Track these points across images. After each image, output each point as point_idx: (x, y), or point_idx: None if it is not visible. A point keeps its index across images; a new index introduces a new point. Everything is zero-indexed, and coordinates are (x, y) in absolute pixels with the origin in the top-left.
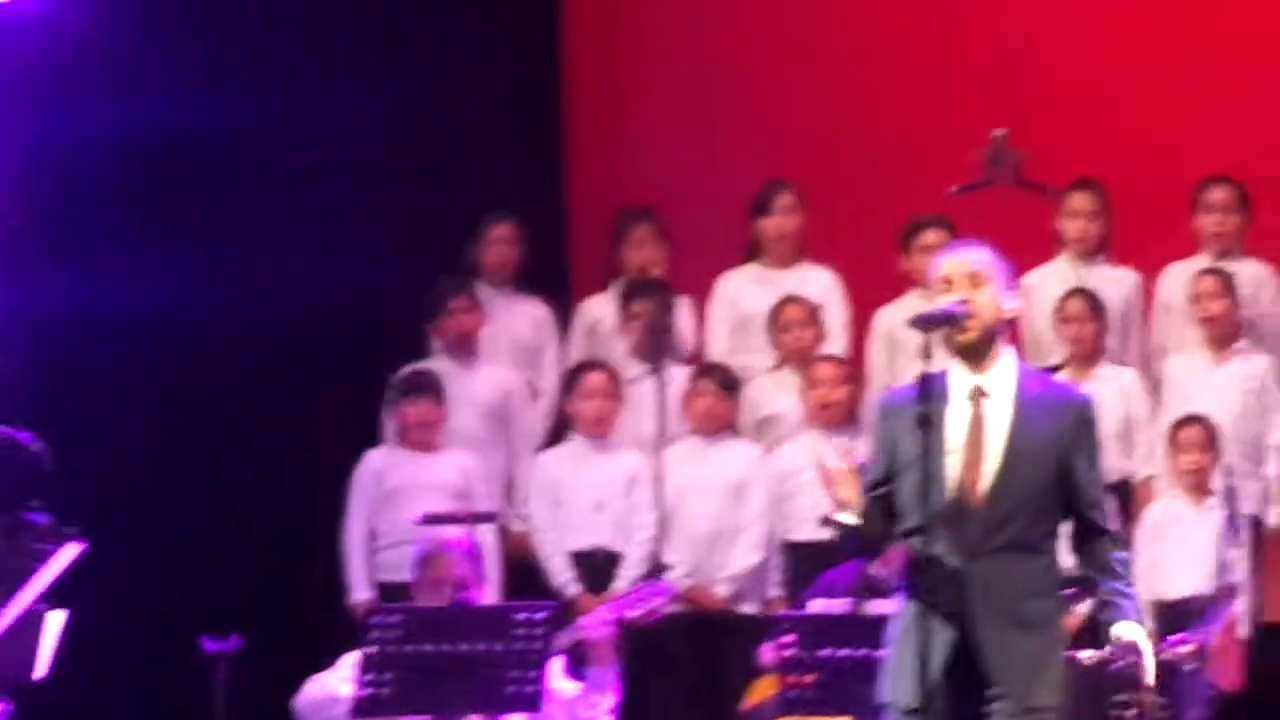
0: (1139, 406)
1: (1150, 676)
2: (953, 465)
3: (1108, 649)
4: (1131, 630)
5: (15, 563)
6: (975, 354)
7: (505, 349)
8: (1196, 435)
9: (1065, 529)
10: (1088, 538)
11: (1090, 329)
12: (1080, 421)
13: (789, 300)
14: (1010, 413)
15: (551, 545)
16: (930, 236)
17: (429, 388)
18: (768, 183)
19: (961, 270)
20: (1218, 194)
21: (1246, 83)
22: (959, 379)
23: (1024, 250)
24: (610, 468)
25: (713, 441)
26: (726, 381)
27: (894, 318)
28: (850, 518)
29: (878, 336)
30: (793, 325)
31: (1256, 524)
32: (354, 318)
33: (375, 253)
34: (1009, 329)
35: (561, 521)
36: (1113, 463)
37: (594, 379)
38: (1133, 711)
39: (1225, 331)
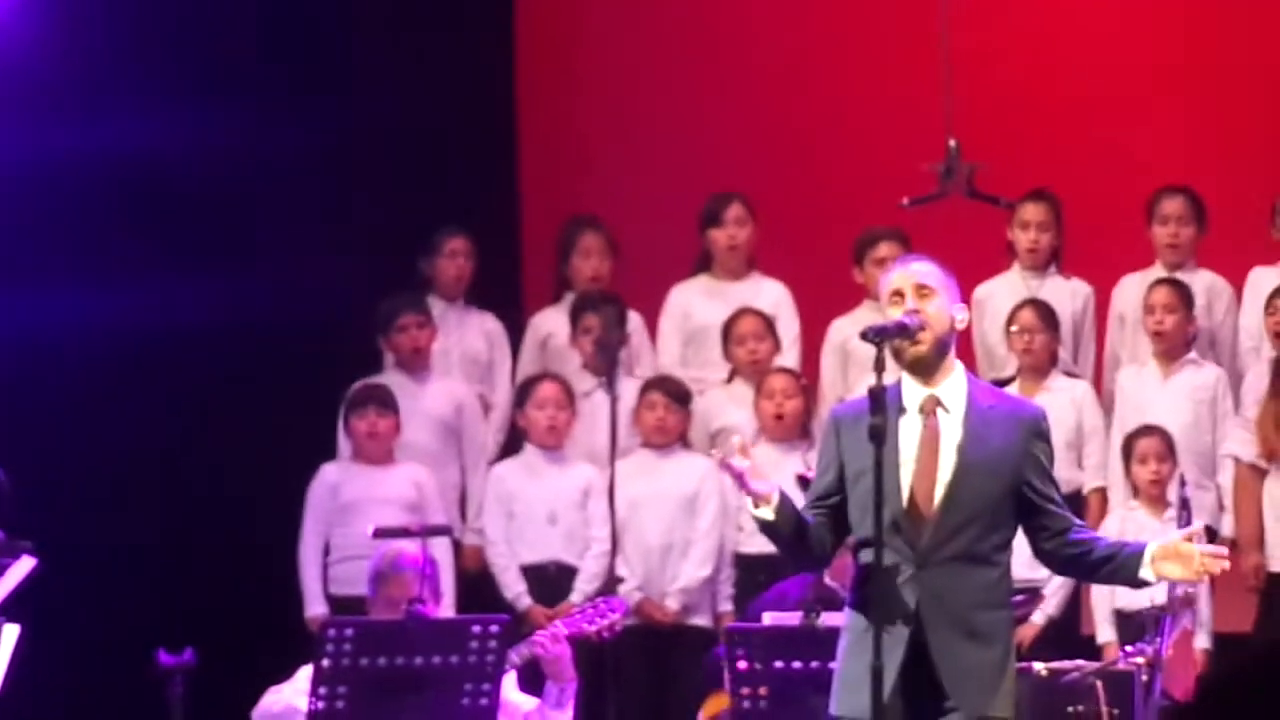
0: (1091, 418)
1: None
2: (905, 477)
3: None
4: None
5: None
6: (927, 366)
7: (458, 363)
8: (1154, 446)
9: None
10: (1057, 532)
11: (1042, 340)
12: (1033, 435)
13: (743, 313)
14: (962, 425)
15: (505, 558)
16: (883, 249)
17: (381, 401)
18: (718, 195)
19: (911, 282)
20: (1172, 205)
21: (1199, 94)
22: (911, 391)
23: (977, 262)
24: (563, 480)
25: (664, 454)
26: (677, 394)
27: (847, 330)
28: (767, 513)
29: (831, 348)
30: (747, 338)
31: (1211, 534)
32: (308, 332)
33: (328, 268)
34: (959, 341)
35: (515, 534)
36: (1064, 474)
37: (546, 390)
38: None
39: (1177, 343)
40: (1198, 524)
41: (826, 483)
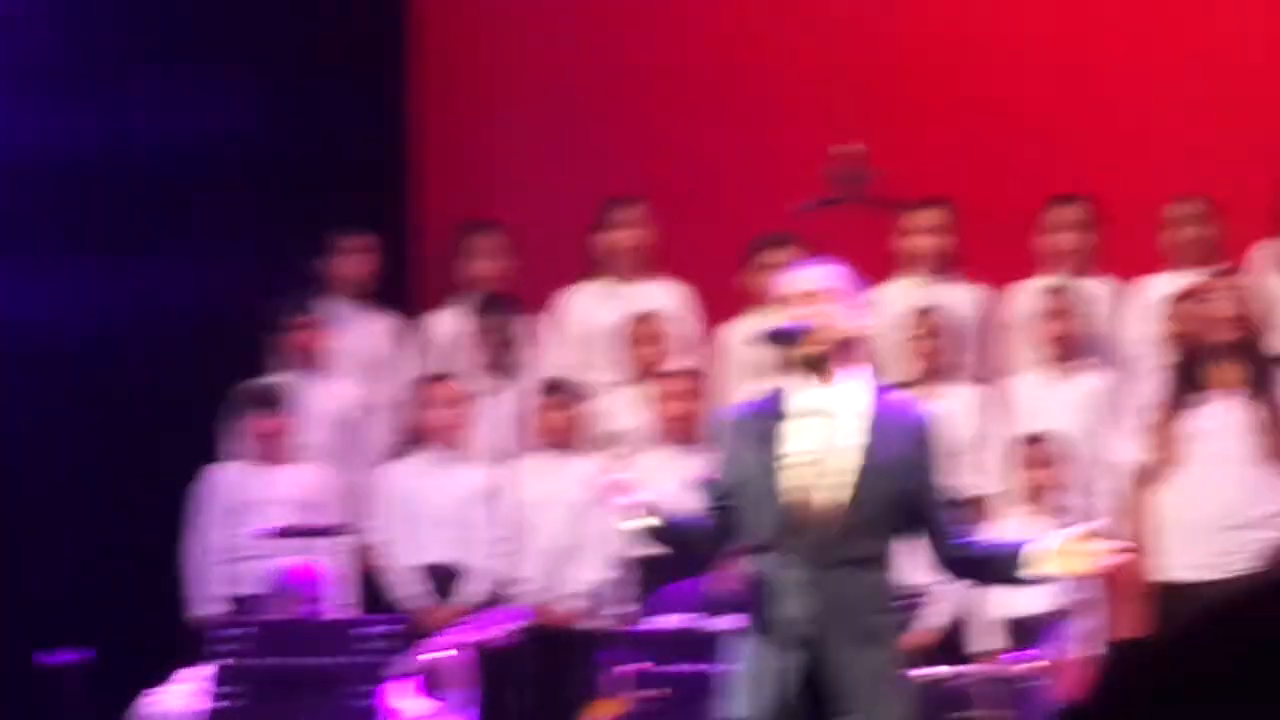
0: (985, 423)
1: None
2: (796, 480)
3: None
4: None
5: None
6: (817, 370)
7: (355, 362)
8: (1040, 452)
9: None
10: (948, 536)
11: (937, 346)
12: (926, 439)
13: (640, 316)
14: (856, 429)
15: (399, 559)
16: (773, 255)
17: (268, 401)
18: (614, 199)
19: (798, 289)
20: (1066, 212)
21: (1094, 99)
22: (806, 394)
23: (872, 267)
24: (459, 480)
25: (562, 456)
26: (575, 395)
27: (738, 334)
28: (638, 523)
29: (722, 352)
30: (643, 340)
31: None
32: (201, 331)
33: (220, 266)
34: (860, 346)
35: (409, 534)
36: (959, 480)
37: (442, 390)
38: None
39: (1069, 349)
40: (1094, 523)
41: (719, 485)
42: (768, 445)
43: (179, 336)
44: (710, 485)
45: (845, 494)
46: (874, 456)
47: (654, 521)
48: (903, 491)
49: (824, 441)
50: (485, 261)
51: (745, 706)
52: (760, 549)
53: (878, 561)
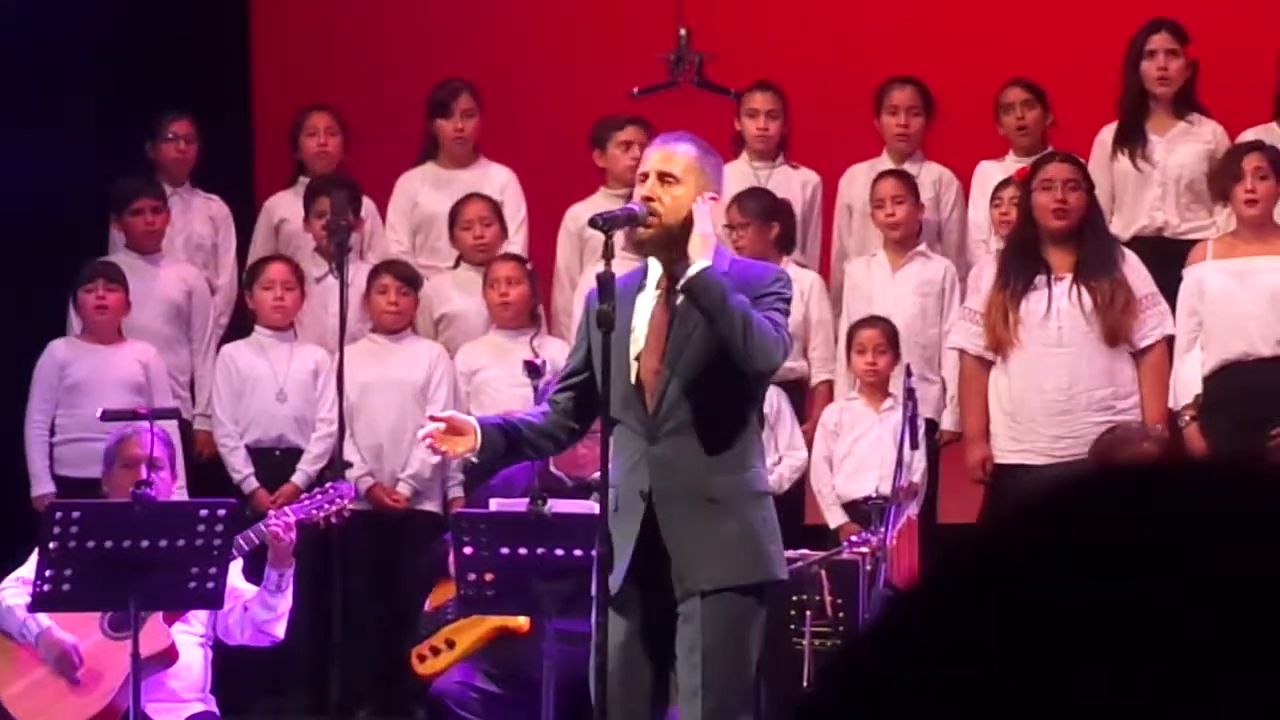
0: (817, 310)
1: None
2: (631, 354)
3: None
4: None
5: None
6: (662, 249)
7: (183, 246)
8: (874, 337)
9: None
10: None
11: (756, 230)
12: (759, 290)
13: (469, 198)
14: (678, 299)
15: (232, 439)
16: (627, 133)
17: (110, 276)
18: (444, 83)
19: (656, 169)
20: (900, 95)
21: None
22: (654, 271)
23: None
24: (292, 361)
25: (395, 340)
26: (408, 278)
27: (583, 215)
28: (472, 457)
29: (567, 234)
30: (473, 223)
31: (934, 426)
32: (35, 212)
33: (58, 148)
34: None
35: (242, 415)
36: (791, 364)
37: (274, 271)
38: (810, 611)
39: (906, 235)
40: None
41: (574, 362)
42: (603, 329)
43: (14, 217)
44: (568, 360)
45: (664, 360)
46: (696, 319)
47: (471, 459)
48: (723, 351)
49: (658, 314)
50: (318, 141)
51: (608, 582)
52: (612, 423)
53: (718, 422)
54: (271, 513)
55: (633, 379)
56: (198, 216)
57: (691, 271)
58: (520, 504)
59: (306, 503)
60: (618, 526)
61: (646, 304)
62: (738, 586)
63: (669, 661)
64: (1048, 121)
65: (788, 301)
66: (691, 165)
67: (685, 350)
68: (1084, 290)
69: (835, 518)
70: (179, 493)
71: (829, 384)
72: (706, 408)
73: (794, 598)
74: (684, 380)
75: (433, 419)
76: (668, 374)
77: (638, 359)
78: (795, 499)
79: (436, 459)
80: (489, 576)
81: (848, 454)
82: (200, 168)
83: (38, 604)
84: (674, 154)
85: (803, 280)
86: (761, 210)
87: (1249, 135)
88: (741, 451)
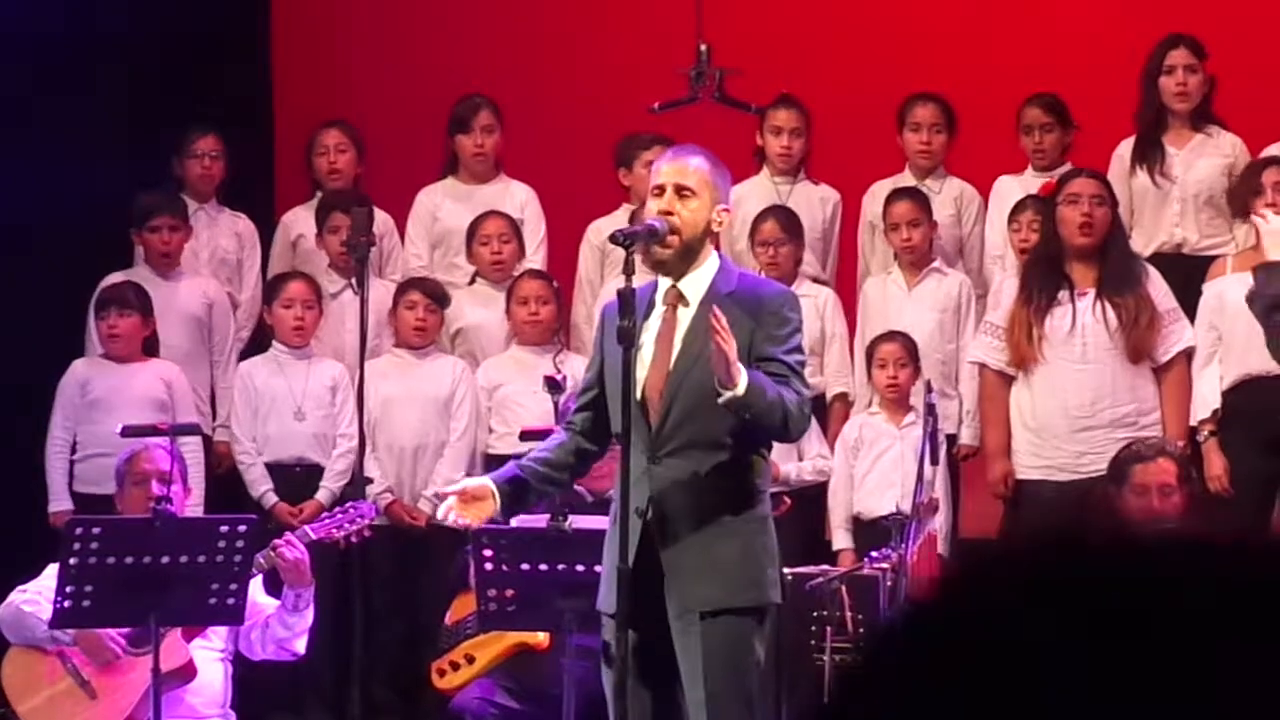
0: (833, 324)
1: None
2: (642, 372)
3: None
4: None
5: None
6: (672, 268)
7: (207, 262)
8: (895, 351)
9: None
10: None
11: (785, 251)
12: (769, 308)
13: (488, 214)
14: (694, 313)
15: (251, 456)
16: (653, 153)
17: (122, 301)
18: (465, 99)
19: (673, 182)
20: (923, 111)
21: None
22: (663, 288)
23: (728, 167)
24: (311, 377)
25: (419, 355)
26: (436, 295)
27: (606, 230)
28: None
29: (589, 249)
30: (491, 239)
31: (952, 441)
32: (62, 228)
33: (84, 164)
34: (714, 239)
35: (261, 432)
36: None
37: (294, 289)
38: (830, 627)
39: (922, 251)
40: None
41: (589, 377)
42: (624, 345)
43: (41, 233)
44: (584, 377)
45: (670, 379)
46: (702, 338)
47: (502, 505)
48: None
49: (664, 331)
50: (336, 157)
51: (607, 600)
52: (621, 441)
53: (721, 443)
54: (285, 535)
55: (638, 395)
56: (223, 232)
57: (737, 392)
58: (541, 520)
59: (327, 521)
60: (626, 540)
61: (654, 321)
62: (735, 609)
63: (669, 681)
64: (1069, 136)
65: (800, 329)
66: (705, 179)
67: (692, 370)
68: (1108, 306)
69: (840, 541)
70: (194, 509)
71: (844, 396)
72: (710, 429)
73: (815, 613)
74: (689, 401)
75: (447, 494)
76: (672, 393)
77: (639, 379)
78: (817, 515)
79: (461, 475)
80: (509, 592)
81: (869, 470)
82: (225, 184)
83: (59, 620)
84: (688, 167)
85: (818, 296)
86: (792, 229)
87: (1270, 151)
88: (744, 474)
